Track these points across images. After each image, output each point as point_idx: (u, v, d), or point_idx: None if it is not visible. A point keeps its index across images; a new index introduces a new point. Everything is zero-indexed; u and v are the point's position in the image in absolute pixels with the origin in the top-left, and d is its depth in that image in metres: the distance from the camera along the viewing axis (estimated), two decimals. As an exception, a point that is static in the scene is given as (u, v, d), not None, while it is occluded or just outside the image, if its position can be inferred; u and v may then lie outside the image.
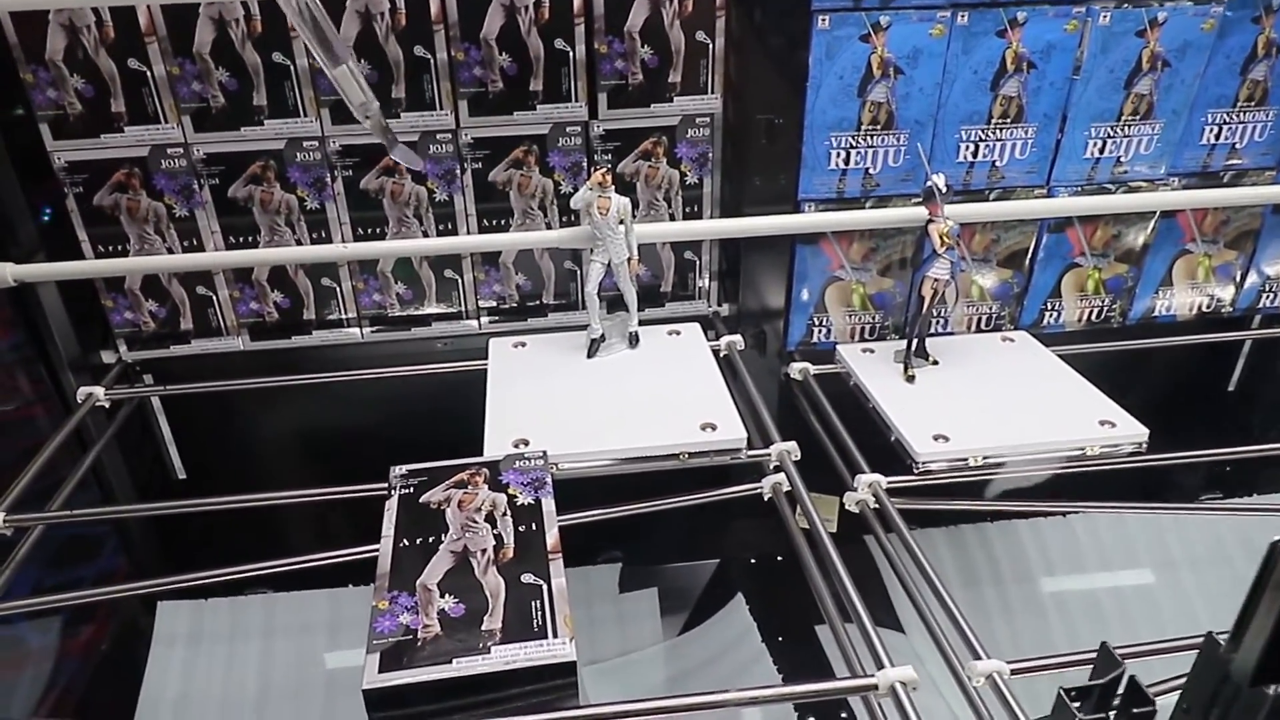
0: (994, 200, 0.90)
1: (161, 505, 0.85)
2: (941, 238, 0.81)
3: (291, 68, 0.79)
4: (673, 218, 0.90)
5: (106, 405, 0.88)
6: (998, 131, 0.87)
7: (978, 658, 0.58)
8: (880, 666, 0.55)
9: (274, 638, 0.95)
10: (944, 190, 0.81)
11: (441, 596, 0.55)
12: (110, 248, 0.85)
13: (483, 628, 0.53)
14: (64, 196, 0.82)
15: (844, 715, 0.86)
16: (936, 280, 0.83)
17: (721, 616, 0.96)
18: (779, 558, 1.04)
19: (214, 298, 0.90)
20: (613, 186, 0.80)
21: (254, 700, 0.90)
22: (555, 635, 0.52)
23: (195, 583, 0.72)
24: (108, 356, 0.93)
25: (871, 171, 0.87)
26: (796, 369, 0.92)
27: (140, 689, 0.89)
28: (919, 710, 0.53)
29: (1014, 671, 0.56)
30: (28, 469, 0.76)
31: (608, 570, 1.01)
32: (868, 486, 0.74)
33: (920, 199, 0.85)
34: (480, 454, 0.72)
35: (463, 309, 0.93)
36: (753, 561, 1.04)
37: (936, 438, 0.77)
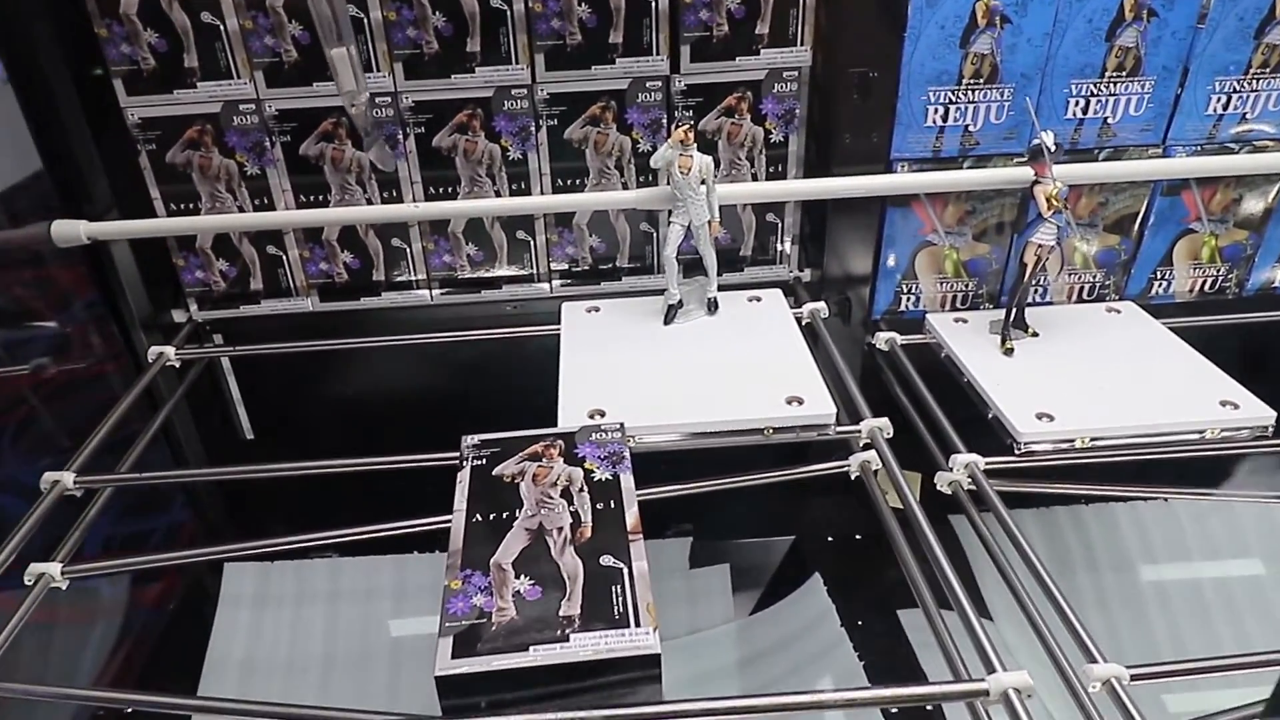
0: (1103, 160, 0.83)
1: (228, 470, 0.85)
2: (1049, 200, 0.75)
3: (365, 21, 0.76)
4: (755, 178, 0.86)
5: (177, 365, 0.87)
6: (1111, 86, 0.80)
7: (1093, 660, 0.53)
8: (990, 668, 0.50)
9: (339, 602, 0.94)
10: (1052, 149, 0.74)
11: (517, 577, 0.52)
12: (182, 206, 0.84)
13: (560, 613, 0.50)
14: (137, 153, 0.81)
15: (929, 709, 0.82)
16: (1040, 246, 0.77)
17: (798, 597, 0.92)
18: (858, 536, 1.00)
19: (284, 258, 0.88)
20: (695, 144, 0.75)
21: (319, 664, 0.90)
22: (638, 624, 0.49)
23: (261, 550, 0.71)
24: (178, 316, 0.92)
25: (971, 129, 0.80)
26: (882, 339, 0.87)
27: (207, 649, 0.89)
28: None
29: (1135, 678, 0.52)
30: (98, 429, 0.76)
31: (678, 544, 0.98)
32: (964, 467, 0.69)
33: (1025, 158, 0.79)
34: (553, 422, 0.69)
35: (534, 271, 0.90)
36: (830, 540, 1.00)
37: (1040, 416, 0.72)
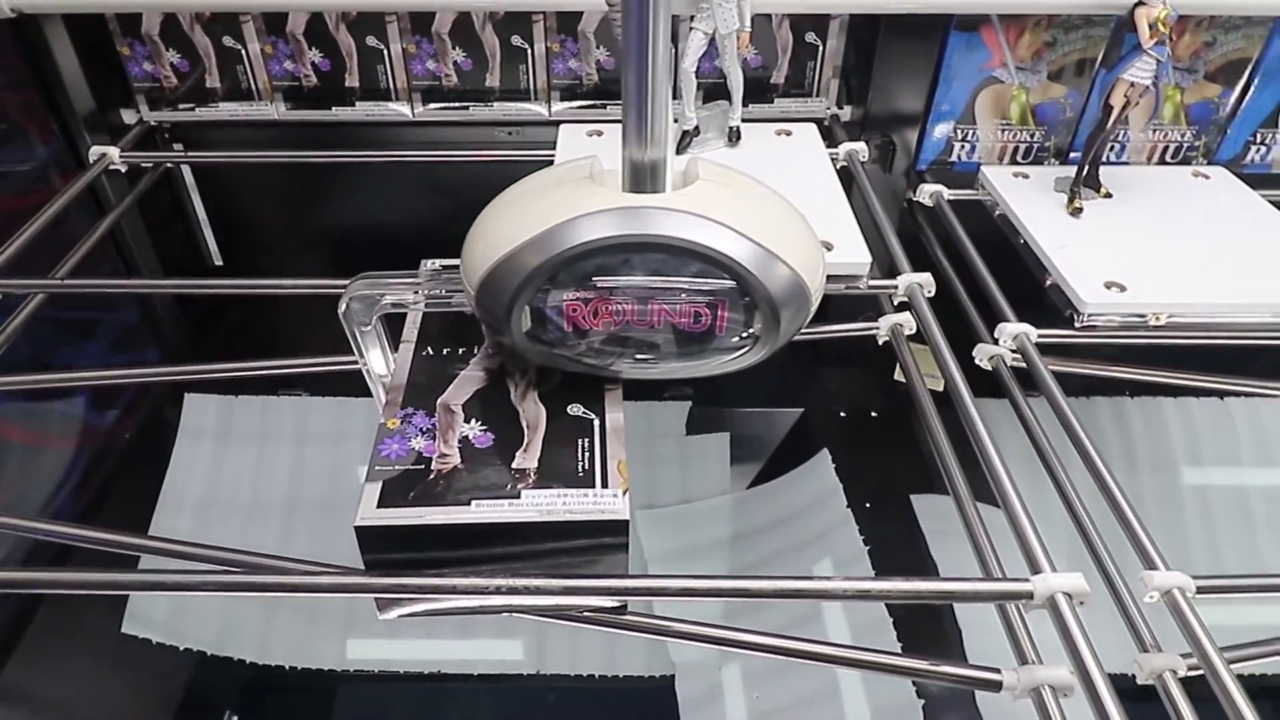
0: (1223, -13, 0.69)
1: (171, 284, 0.76)
2: (1152, 26, 0.61)
3: None
4: (797, -17, 0.72)
5: (123, 169, 0.77)
6: (1246, -110, 0.65)
7: (1152, 566, 0.45)
8: (1035, 568, 0.42)
9: (307, 443, 0.87)
10: (1168, -39, 0.60)
11: (466, 421, 0.43)
12: (118, -24, 0.71)
13: (514, 465, 0.41)
14: (59, -97, 0.68)
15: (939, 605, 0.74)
16: (1133, 85, 0.64)
17: (802, 472, 0.84)
18: (873, 413, 0.91)
19: (243, 52, 0.76)
20: (726, -72, 0.62)
21: (283, 507, 0.84)
22: (605, 485, 0.40)
23: (221, 374, 0.63)
24: (128, 117, 0.81)
25: (1069, -68, 0.66)
26: (927, 192, 0.75)
27: (162, 483, 0.83)
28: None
29: (1201, 590, 0.43)
30: (21, 231, 0.66)
31: (675, 408, 0.90)
32: (1012, 338, 0.59)
33: (1131, -28, 0.65)
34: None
35: (531, 87, 0.78)
36: (842, 415, 0.91)
37: (1109, 285, 0.61)
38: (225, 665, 0.70)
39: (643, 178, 0.42)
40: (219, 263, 0.94)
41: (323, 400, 0.89)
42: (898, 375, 0.92)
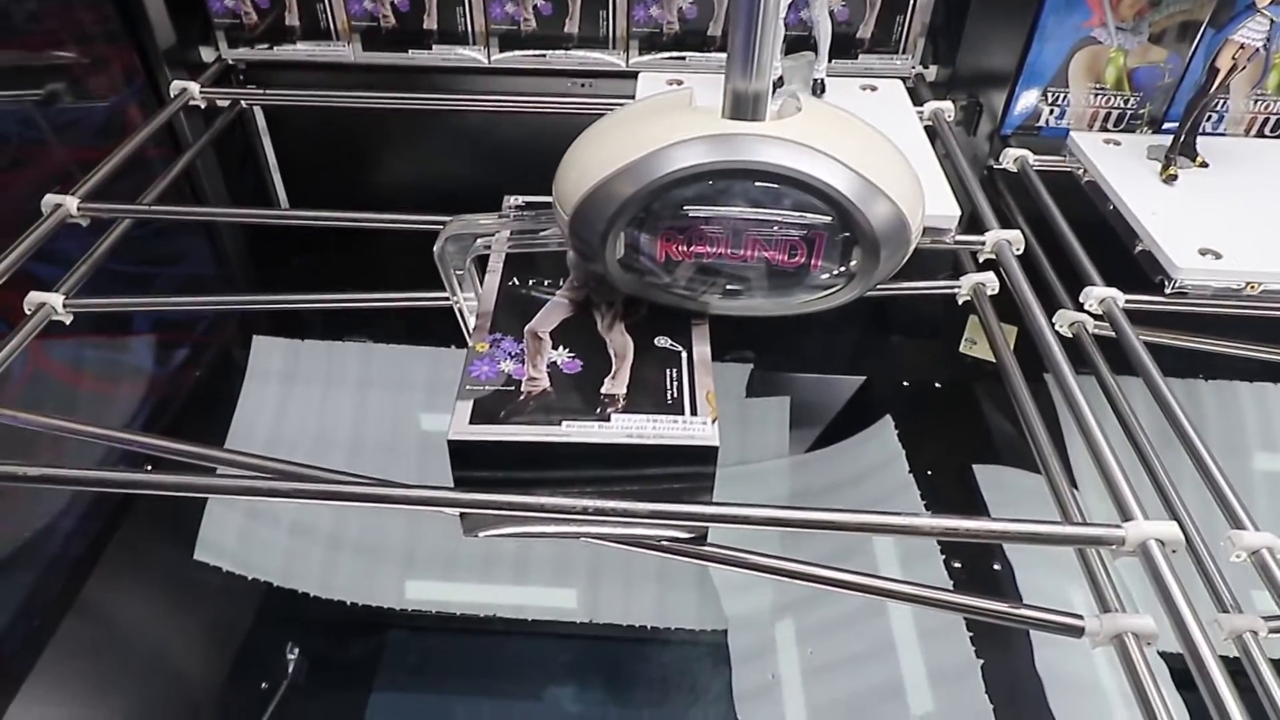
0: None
1: (248, 213, 0.76)
2: (1270, -17, 0.59)
3: None
4: (890, -67, 0.70)
5: (202, 105, 0.78)
6: None
7: (1240, 526, 0.43)
8: (1127, 515, 0.40)
9: (369, 389, 0.88)
10: (1292, -90, 0.58)
11: (554, 348, 0.43)
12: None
13: (602, 391, 0.41)
14: None
15: (996, 567, 0.73)
16: (1243, 47, 0.62)
17: (864, 437, 0.83)
18: (937, 384, 0.89)
19: (323, -11, 0.77)
20: None
21: (345, 448, 0.85)
22: (695, 413, 0.40)
23: (291, 304, 0.64)
24: (207, 54, 0.82)
25: (1182, -118, 0.63)
26: (1011, 156, 0.73)
27: (230, 422, 0.84)
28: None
29: (1293, 555, 0.42)
30: (109, 158, 0.67)
31: (736, 370, 0.89)
32: (1099, 303, 0.57)
33: (1248, -76, 0.62)
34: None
35: (610, 35, 0.77)
36: (905, 385, 0.89)
37: (1204, 252, 0.59)
38: (289, 597, 0.72)
39: (744, 107, 0.41)
40: (286, 207, 0.95)
41: (385, 347, 0.90)
42: (963, 348, 0.91)
